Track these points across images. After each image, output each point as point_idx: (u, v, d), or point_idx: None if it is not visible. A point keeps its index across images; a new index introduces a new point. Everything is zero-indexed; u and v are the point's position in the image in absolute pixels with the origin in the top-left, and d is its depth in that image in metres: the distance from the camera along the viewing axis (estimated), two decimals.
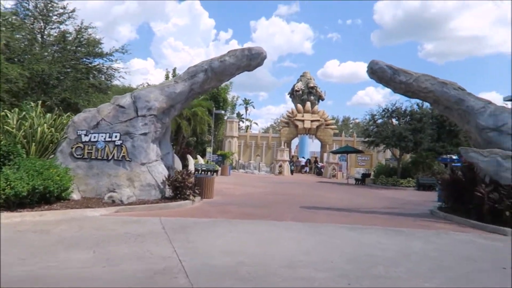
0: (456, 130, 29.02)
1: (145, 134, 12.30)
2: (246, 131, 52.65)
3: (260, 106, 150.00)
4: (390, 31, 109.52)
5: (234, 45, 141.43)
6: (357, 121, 79.01)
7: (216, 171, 30.22)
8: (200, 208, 11.92)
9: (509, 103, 21.83)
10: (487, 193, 11.15)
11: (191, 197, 12.46)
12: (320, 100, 47.17)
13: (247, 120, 76.75)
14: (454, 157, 35.94)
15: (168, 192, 12.60)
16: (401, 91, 13.33)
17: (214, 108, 33.76)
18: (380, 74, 13.18)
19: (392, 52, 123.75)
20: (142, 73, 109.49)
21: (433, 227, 10.68)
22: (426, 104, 30.30)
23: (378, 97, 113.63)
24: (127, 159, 12.06)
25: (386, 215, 12.66)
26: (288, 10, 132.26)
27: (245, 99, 77.63)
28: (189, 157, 30.48)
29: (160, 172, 12.55)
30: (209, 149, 33.63)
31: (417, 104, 28.71)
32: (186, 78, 12.85)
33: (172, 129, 28.42)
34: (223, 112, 35.86)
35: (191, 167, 29.72)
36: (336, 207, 14.07)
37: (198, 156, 31.44)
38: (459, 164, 42.46)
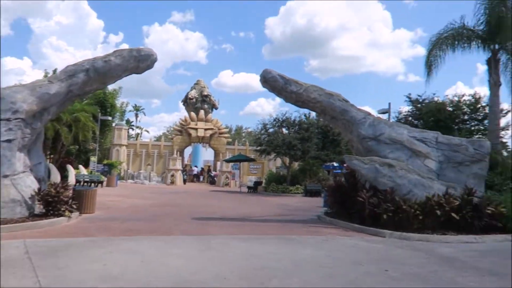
0: (338, 139, 31.43)
1: (9, 141, 10.42)
2: (136, 139, 49.93)
3: (153, 113, 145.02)
4: (279, 46, 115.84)
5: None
6: (249, 130, 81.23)
7: (101, 182, 27.80)
8: (77, 226, 10.49)
9: (382, 115, 24.31)
10: (367, 198, 11.91)
11: (67, 213, 10.92)
12: (214, 109, 47.05)
13: (137, 127, 72.95)
14: (335, 164, 38.96)
15: (39, 208, 10.87)
16: (292, 100, 13.68)
17: (100, 114, 31.08)
18: (272, 83, 13.34)
19: (281, 65, 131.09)
20: (17, 74, 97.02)
21: (322, 233, 11.01)
22: (313, 115, 32.34)
23: (269, 107, 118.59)
24: None
25: (277, 223, 12.74)
26: (182, 18, 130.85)
27: (135, 105, 73.70)
28: (70, 167, 27.50)
29: (29, 185, 10.77)
30: (93, 158, 30.81)
31: (305, 115, 30.37)
32: (63, 78, 11.30)
33: (49, 136, 25.30)
34: (110, 118, 33.12)
35: (72, 178, 26.85)
36: (228, 217, 13.76)
37: (80, 166, 28.57)
38: (339, 171, 46.30)
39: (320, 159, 30.17)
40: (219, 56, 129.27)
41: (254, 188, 29.06)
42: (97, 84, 12.03)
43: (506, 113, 24.56)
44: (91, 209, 13.19)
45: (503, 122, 22.34)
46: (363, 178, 12.98)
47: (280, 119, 28.23)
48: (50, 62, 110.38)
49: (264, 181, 31.58)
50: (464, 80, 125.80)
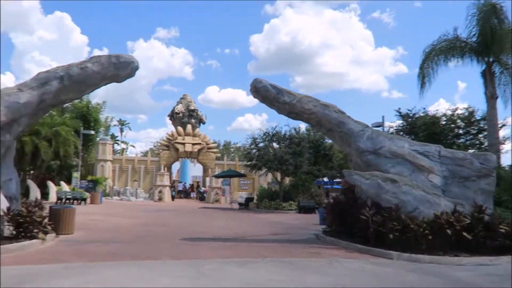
0: (330, 154, 30.77)
1: None
2: (122, 154, 48.53)
3: (139, 129, 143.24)
4: (264, 62, 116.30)
5: None
6: (238, 145, 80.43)
7: (85, 200, 26.46)
8: (52, 250, 9.39)
9: (375, 129, 23.71)
10: (371, 216, 11.07)
11: (40, 235, 9.80)
12: (201, 124, 46.15)
13: (123, 142, 71.12)
14: (326, 179, 38.23)
15: (9, 230, 9.73)
16: (285, 112, 12.89)
17: (82, 128, 29.84)
18: (263, 93, 12.54)
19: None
20: None
21: (324, 255, 10.10)
22: (303, 130, 31.74)
23: (257, 123, 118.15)
24: None
25: (274, 244, 11.79)
26: (167, 34, 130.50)
27: (119, 119, 71.60)
28: (50, 184, 26.22)
29: None
30: (76, 174, 29.42)
31: (294, 129, 29.58)
32: (34, 86, 10.29)
33: (28, 151, 24.06)
34: (93, 132, 31.74)
35: (53, 195, 25.52)
36: (221, 237, 12.75)
37: (62, 183, 27.21)
38: (329, 186, 45.59)
39: (312, 174, 29.37)
40: (205, 72, 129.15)
41: (245, 205, 28.01)
42: (73, 93, 11.05)
43: (501, 126, 24.20)
44: (69, 229, 12.07)
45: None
46: (364, 194, 12.17)
47: (270, 133, 27.40)
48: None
49: (255, 197, 30.57)
50: (446, 97, 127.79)
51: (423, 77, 19.06)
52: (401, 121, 28.96)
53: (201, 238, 12.45)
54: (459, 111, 27.36)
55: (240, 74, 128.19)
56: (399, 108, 28.88)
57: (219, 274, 7.39)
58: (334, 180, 44.10)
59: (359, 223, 11.40)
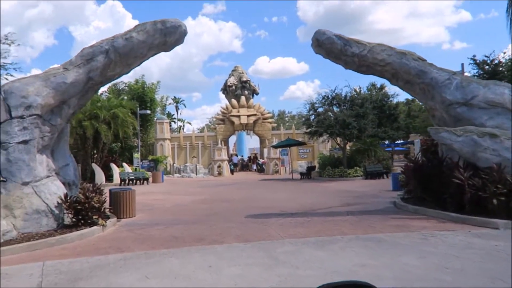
0: (395, 113, 28.23)
1: (25, 142, 8.84)
2: (179, 132, 48.96)
3: (194, 107, 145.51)
4: (314, 26, 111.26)
5: None
6: (292, 114, 78.68)
7: (147, 179, 26.69)
8: (112, 236, 8.79)
9: (465, 75, 20.84)
10: (466, 179, 9.31)
11: (100, 221, 9.24)
12: (254, 94, 44.96)
13: (179, 120, 71.93)
14: (386, 142, 35.53)
15: (69, 218, 9.29)
16: (354, 66, 11.18)
17: (138, 109, 29.85)
18: (328, 46, 10.89)
19: None
20: None
21: (413, 227, 8.63)
22: (364, 89, 29.33)
23: (309, 90, 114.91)
24: (1, 179, 8.55)
25: (350, 217, 10.45)
26: (214, 9, 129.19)
27: (174, 97, 72.22)
28: (113, 166, 26.62)
29: (54, 192, 9.19)
30: (137, 155, 29.71)
31: (355, 90, 27.26)
32: (80, 64, 9.52)
33: (89, 135, 24.40)
34: (149, 112, 31.62)
35: (116, 177, 25.94)
36: (288, 211, 11.64)
37: (124, 164, 27.58)
38: (390, 149, 42.65)
39: (378, 137, 27.14)
40: (254, 43, 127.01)
41: (307, 174, 26.67)
42: (120, 67, 10.15)
43: None
44: (131, 212, 11.56)
45: None
46: (453, 154, 10.34)
47: (329, 96, 25.42)
48: None
49: (317, 165, 29.08)
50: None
51: None
52: (476, 70, 25.58)
53: (267, 214, 11.42)
54: None
55: (289, 42, 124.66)
56: (474, 56, 25.44)
57: (297, 259, 6.23)
58: (396, 142, 41.06)
59: (450, 188, 9.72)
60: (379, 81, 40.80)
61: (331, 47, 10.86)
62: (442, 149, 11.27)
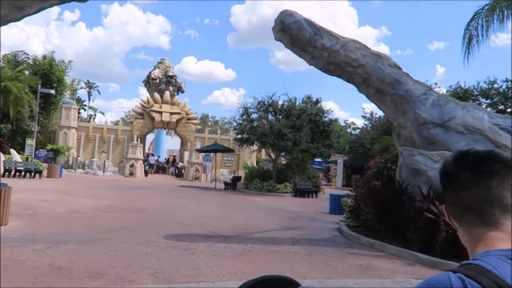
0: (328, 130, 27.36)
1: None
2: (89, 122, 43.45)
3: (110, 98, 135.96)
4: (244, 35, 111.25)
5: (82, 27, 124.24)
6: (216, 119, 76.11)
7: (40, 172, 22.10)
8: None
9: (442, 92, 19.78)
10: (443, 214, 7.70)
11: None
12: (180, 92, 41.76)
13: (90, 108, 64.51)
14: (318, 159, 34.90)
15: None
16: (321, 62, 9.19)
17: (40, 87, 24.87)
18: (295, 32, 8.76)
19: (246, 55, 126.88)
20: None
21: (379, 270, 6.85)
22: (299, 101, 27.98)
23: (233, 98, 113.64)
24: None
25: (297, 247, 8.37)
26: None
27: (87, 81, 63.34)
28: None
29: None
30: (30, 141, 24.68)
31: (290, 100, 25.61)
32: None
33: None
34: (52, 91, 26.40)
35: None
36: (219, 233, 9.18)
37: (12, 151, 22.59)
38: (318, 167, 42.34)
39: (310, 153, 25.89)
40: (183, 42, 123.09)
41: (232, 185, 24.33)
42: (8, 8, 6.87)
43: None
44: (3, 219, 8.17)
45: None
46: (421, 181, 8.81)
47: (266, 102, 23.48)
48: None
49: (243, 176, 26.88)
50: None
51: (470, 39, 15.00)
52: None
53: (192, 234, 8.87)
54: None
55: (218, 46, 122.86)
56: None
57: None
58: (315, 160, 40.59)
59: (418, 222, 8.15)
60: (315, 94, 40.23)
61: (298, 34, 8.75)
62: (402, 174, 9.77)
